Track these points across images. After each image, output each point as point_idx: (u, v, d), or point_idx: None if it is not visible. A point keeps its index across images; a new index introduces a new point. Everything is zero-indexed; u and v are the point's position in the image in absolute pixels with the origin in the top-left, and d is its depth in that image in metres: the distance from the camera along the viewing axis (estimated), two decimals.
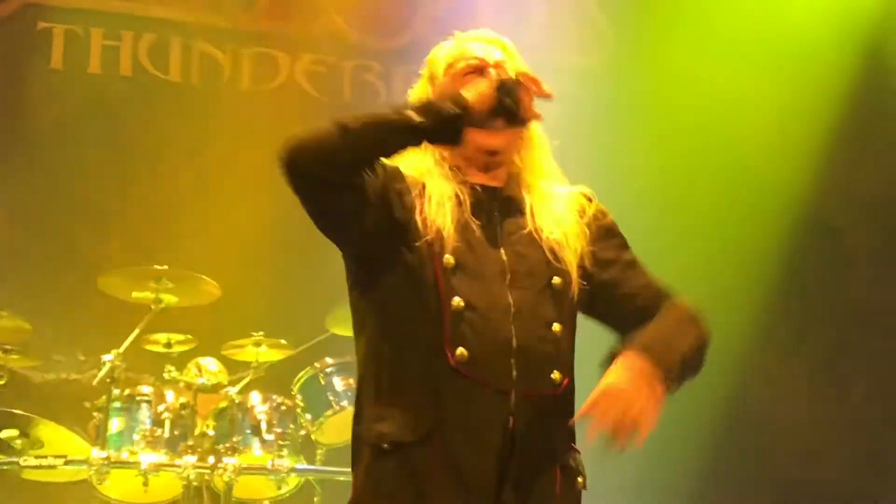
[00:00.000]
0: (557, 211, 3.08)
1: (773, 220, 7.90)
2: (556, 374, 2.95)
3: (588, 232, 3.12)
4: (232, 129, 7.82)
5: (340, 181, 2.88)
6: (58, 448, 6.19)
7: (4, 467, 6.14)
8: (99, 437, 6.08)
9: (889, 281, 8.02)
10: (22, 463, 6.07)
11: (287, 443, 6.17)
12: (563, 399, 3.00)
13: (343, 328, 6.53)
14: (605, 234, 3.16)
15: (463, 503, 2.87)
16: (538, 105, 3.14)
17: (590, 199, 3.17)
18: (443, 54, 3.24)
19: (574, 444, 3.04)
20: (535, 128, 3.18)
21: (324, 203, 2.95)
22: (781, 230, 7.92)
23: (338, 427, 6.31)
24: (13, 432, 6.20)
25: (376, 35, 8.32)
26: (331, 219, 2.99)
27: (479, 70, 3.14)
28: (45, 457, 6.12)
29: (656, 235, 7.78)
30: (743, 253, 7.89)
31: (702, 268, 7.70)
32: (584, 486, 3.02)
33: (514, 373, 2.89)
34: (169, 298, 6.37)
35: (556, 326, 2.97)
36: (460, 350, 2.87)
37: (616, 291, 3.13)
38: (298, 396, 6.36)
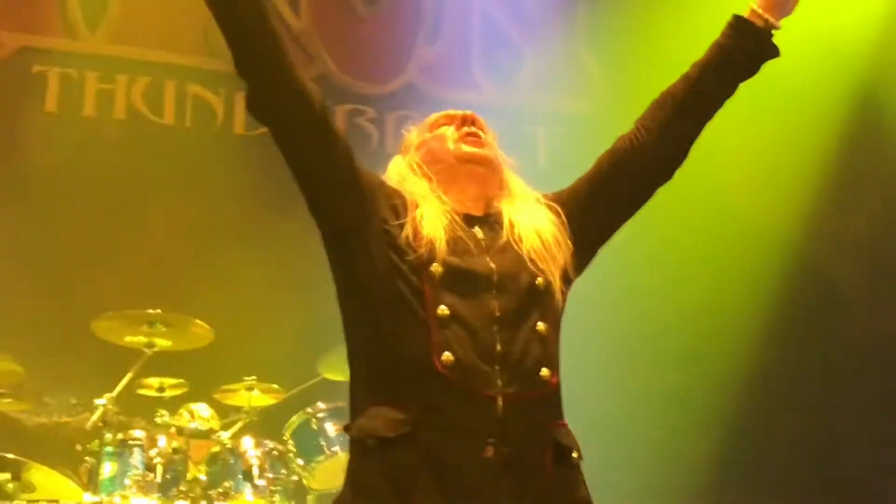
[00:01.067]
0: (533, 220, 3.19)
1: (763, 264, 7.92)
2: (544, 372, 3.02)
3: (562, 219, 3.23)
4: (225, 172, 7.81)
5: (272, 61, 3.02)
6: (49, 492, 6.17)
7: None
8: (91, 481, 6.09)
9: (882, 326, 8.02)
10: None
11: (279, 488, 6.16)
12: (552, 395, 3.08)
13: (335, 373, 6.58)
14: (566, 198, 3.31)
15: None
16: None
17: (547, 196, 3.30)
18: (418, 127, 3.43)
19: (563, 420, 3.12)
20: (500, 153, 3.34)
21: (287, 120, 3.09)
22: (772, 275, 7.93)
23: (329, 472, 6.31)
24: (5, 476, 6.16)
25: (369, 81, 8.34)
26: (300, 154, 3.12)
27: (453, 119, 3.33)
28: (37, 501, 6.13)
29: (649, 276, 7.82)
30: (734, 297, 7.90)
31: (693, 311, 7.73)
32: (580, 458, 3.08)
33: (501, 377, 2.96)
34: (162, 342, 6.37)
35: (541, 326, 3.06)
36: (446, 355, 2.94)
37: (602, 173, 3.31)
38: (290, 441, 6.37)
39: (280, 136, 3.10)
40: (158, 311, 6.33)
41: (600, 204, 3.29)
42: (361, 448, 2.98)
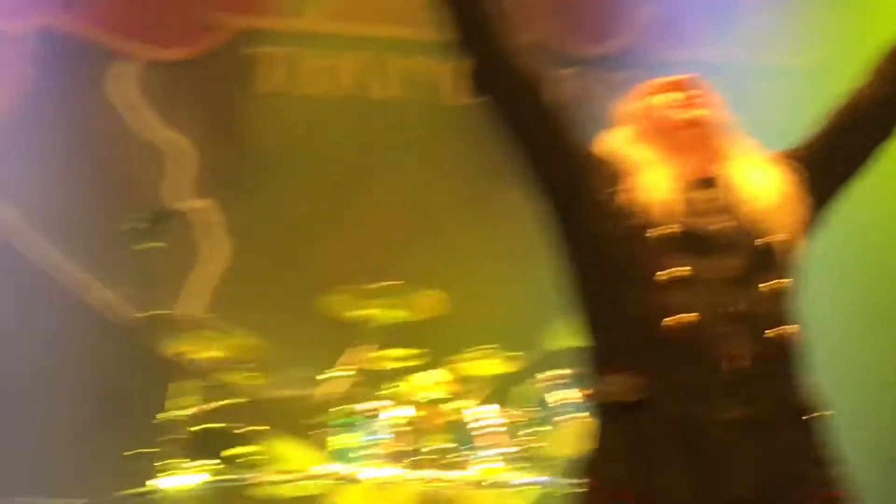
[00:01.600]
0: (761, 179, 3.13)
1: None
2: (782, 330, 2.97)
3: (795, 176, 3.14)
4: (448, 143, 7.83)
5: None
6: (292, 463, 6.40)
7: (239, 484, 6.28)
8: (331, 452, 6.22)
9: None
10: (256, 479, 6.25)
11: (518, 456, 6.18)
12: (792, 353, 3.02)
13: (567, 340, 6.52)
14: (799, 154, 3.21)
15: (687, 468, 2.88)
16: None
17: (777, 154, 3.23)
18: (635, 92, 3.38)
19: (804, 378, 3.05)
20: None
21: (505, 94, 3.10)
22: None
23: (567, 439, 6.26)
24: (249, 448, 6.40)
25: (589, 42, 8.26)
26: (518, 126, 3.12)
27: (672, 85, 3.29)
28: (279, 472, 6.32)
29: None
30: None
31: None
32: (825, 416, 3.03)
33: (738, 338, 2.92)
34: (394, 314, 6.52)
35: (775, 284, 3.01)
36: (681, 317, 2.92)
37: (835, 128, 3.22)
38: (527, 409, 6.34)
39: (498, 108, 3.11)
40: (389, 283, 6.43)
41: (834, 159, 3.21)
42: (603, 414, 2.99)
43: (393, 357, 6.56)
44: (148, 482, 6.27)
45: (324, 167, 7.91)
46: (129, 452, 6.45)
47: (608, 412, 2.98)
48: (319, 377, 6.65)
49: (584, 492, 3.03)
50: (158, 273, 6.96)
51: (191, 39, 8.08)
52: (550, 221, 3.15)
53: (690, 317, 2.91)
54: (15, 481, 7.01)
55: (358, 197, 7.92)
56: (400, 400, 6.32)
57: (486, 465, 6.16)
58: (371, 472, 6.08)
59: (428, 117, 8.03)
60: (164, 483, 6.17)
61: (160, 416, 6.38)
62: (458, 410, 6.27)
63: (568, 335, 6.43)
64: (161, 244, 6.70)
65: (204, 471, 6.26)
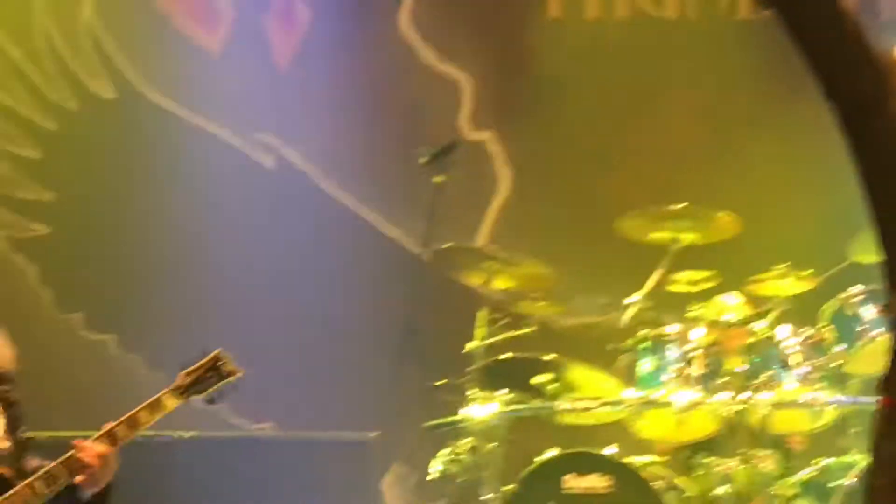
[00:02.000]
0: None
1: None
2: None
3: None
4: (733, 59, 7.72)
5: None
6: (590, 390, 6.50)
7: (543, 413, 6.45)
8: (629, 378, 6.33)
9: None
10: (559, 407, 6.37)
11: (820, 375, 6.17)
12: None
13: (867, 255, 6.41)
14: None
15: None
16: None
17: None
18: None
19: None
20: None
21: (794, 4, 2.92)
22: None
23: (870, 357, 6.13)
24: (546, 377, 6.50)
25: None
26: (810, 37, 2.93)
27: None
28: (580, 400, 6.42)
29: None
30: None
31: None
32: None
33: None
34: (687, 236, 6.50)
35: None
36: None
37: None
38: (827, 327, 6.27)
39: (788, 19, 2.97)
40: (682, 205, 6.43)
41: None
42: None
43: (689, 280, 6.51)
44: (455, 412, 6.50)
45: (609, 92, 7.92)
46: (439, 383, 6.70)
47: None
48: (616, 303, 6.65)
49: (882, 409, 2.93)
50: (451, 206, 7.14)
51: None
52: (847, 134, 3.02)
53: None
54: (325, 415, 7.29)
55: (645, 120, 7.86)
56: (698, 323, 6.32)
57: (786, 386, 6.15)
58: (673, 396, 6.12)
59: (720, 34, 7.88)
60: (469, 412, 6.34)
61: (468, 346, 6.52)
62: (755, 332, 6.26)
63: (866, 251, 6.36)
64: (448, 177, 6.84)
65: (506, 400, 6.39)
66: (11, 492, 4.31)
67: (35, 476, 4.32)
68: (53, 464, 4.34)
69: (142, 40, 8.06)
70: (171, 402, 4.47)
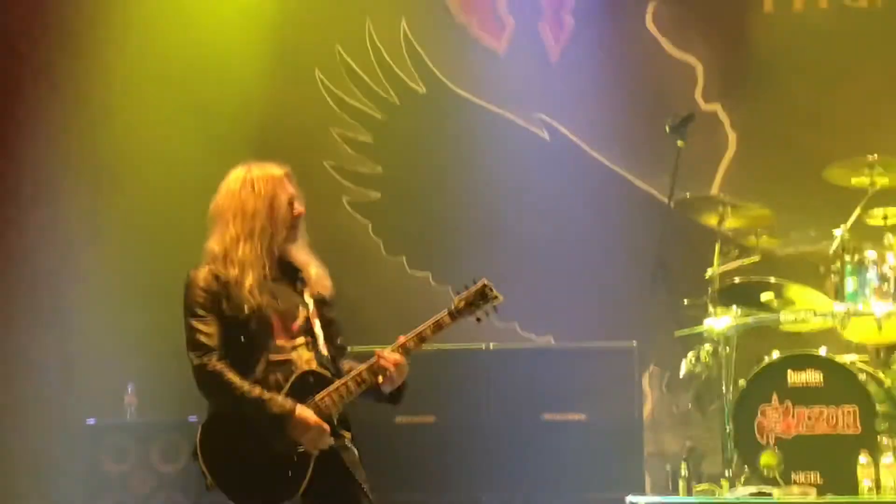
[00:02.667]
0: None
1: None
2: None
3: None
4: None
5: None
6: (806, 304, 6.57)
7: (767, 323, 6.54)
8: (838, 294, 6.38)
9: None
10: (781, 318, 6.49)
11: None
12: None
13: None
14: None
15: None
16: None
17: None
18: None
19: None
20: None
21: None
22: None
23: None
24: (770, 295, 6.64)
25: None
26: None
27: None
28: (799, 311, 6.52)
29: None
30: None
31: None
32: None
33: None
34: (881, 180, 6.52)
35: None
36: None
37: None
38: None
39: None
40: (876, 155, 6.46)
41: None
42: None
43: (883, 215, 6.53)
44: (698, 324, 6.63)
45: (813, 68, 7.86)
46: (685, 301, 6.92)
47: None
48: (825, 235, 6.74)
49: None
50: (690, 164, 7.14)
51: None
52: None
53: None
54: (596, 329, 7.35)
55: (844, 89, 7.84)
56: (891, 249, 6.34)
57: None
58: (873, 307, 6.19)
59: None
60: (709, 324, 6.47)
61: (707, 273, 6.58)
62: None
63: None
64: (687, 141, 6.90)
65: (737, 314, 6.47)
66: (331, 387, 4.37)
67: (348, 377, 4.39)
68: (361, 368, 4.41)
69: (445, 46, 8.37)
70: (448, 321, 4.41)
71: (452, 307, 4.45)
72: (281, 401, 4.30)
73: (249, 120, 7.90)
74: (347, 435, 4.50)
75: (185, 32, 8.09)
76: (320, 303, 4.56)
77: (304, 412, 4.32)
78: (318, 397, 4.40)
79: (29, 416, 7.17)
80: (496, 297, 4.49)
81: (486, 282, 4.50)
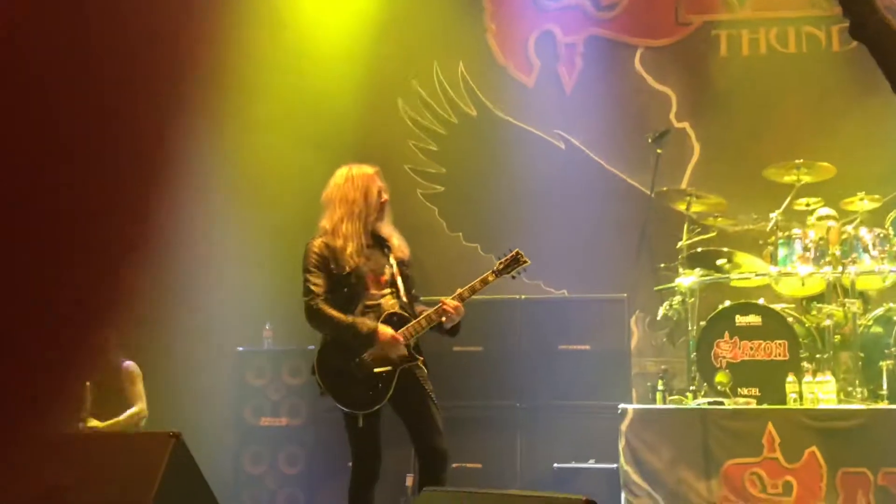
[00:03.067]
0: None
1: None
2: None
3: None
4: (830, 76, 7.59)
5: None
6: (749, 268, 6.48)
7: (721, 280, 6.48)
8: (773, 259, 6.27)
9: None
10: (731, 277, 6.47)
11: (885, 256, 6.05)
12: None
13: None
14: None
15: None
16: None
17: None
18: None
19: None
20: None
21: (873, 41, 2.62)
22: None
23: None
24: (724, 261, 6.58)
25: None
26: (887, 63, 2.63)
27: None
28: (744, 272, 6.50)
29: None
30: None
31: None
32: None
33: None
34: (806, 178, 6.42)
35: None
36: None
37: None
38: (890, 229, 6.15)
39: (873, 52, 2.71)
40: (800, 160, 6.36)
41: None
42: None
43: (806, 203, 6.45)
44: (671, 281, 6.58)
45: (757, 98, 7.75)
46: (661, 265, 6.88)
47: None
48: (763, 217, 6.54)
49: None
50: (666, 166, 7.21)
51: (673, 31, 8.01)
52: None
53: None
54: (596, 284, 7.18)
55: (779, 110, 7.74)
56: (812, 228, 6.23)
57: (865, 262, 5.98)
58: (798, 269, 6.09)
59: (821, 60, 7.77)
60: (679, 281, 6.42)
61: (678, 244, 6.48)
62: (846, 231, 6.11)
63: None
64: (663, 149, 6.99)
65: (700, 274, 6.40)
66: (409, 324, 4.42)
67: (421, 317, 4.46)
68: (430, 311, 4.46)
69: (490, 81, 8.25)
70: (492, 278, 4.47)
71: (495, 269, 4.55)
72: (368, 322, 4.39)
73: (348, 136, 7.87)
74: (420, 358, 4.56)
75: (301, 72, 8.10)
76: (401, 264, 4.63)
77: (384, 328, 4.40)
78: (400, 331, 4.48)
79: (194, 346, 7.23)
80: (526, 262, 4.57)
81: (518, 251, 4.58)
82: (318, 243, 4.56)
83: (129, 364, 6.10)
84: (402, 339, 4.40)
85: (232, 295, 7.83)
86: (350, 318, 4.41)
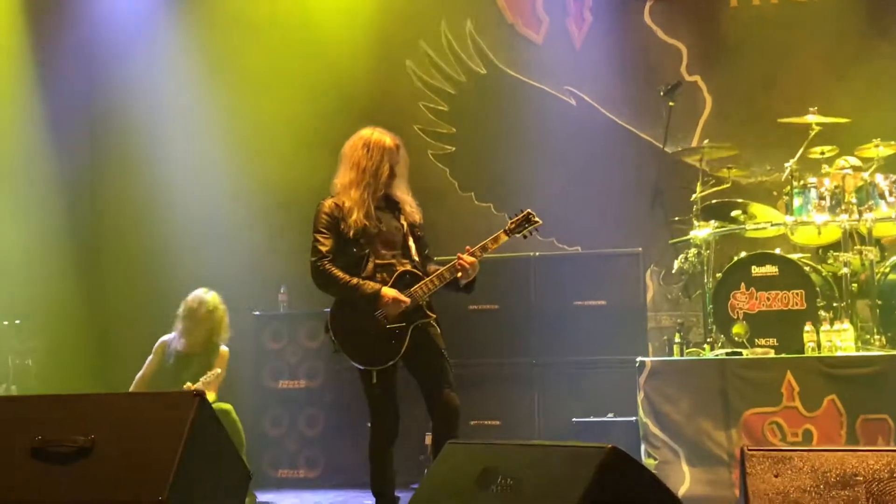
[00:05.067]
0: None
1: None
2: None
3: None
4: (840, 23, 7.46)
5: None
6: (764, 218, 6.36)
7: (736, 232, 6.32)
8: (788, 209, 6.18)
9: None
10: (746, 228, 6.30)
11: None
12: None
13: None
14: None
15: None
16: None
17: None
18: None
19: None
20: None
21: None
22: None
23: None
24: (738, 212, 6.39)
25: None
26: None
27: None
28: (759, 223, 6.21)
29: None
30: None
31: None
32: None
33: None
34: (818, 127, 6.33)
35: None
36: None
37: None
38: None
39: None
40: (815, 108, 6.30)
41: None
42: None
43: (821, 151, 6.33)
44: (686, 234, 6.51)
45: (770, 46, 7.62)
46: (675, 218, 6.81)
47: None
48: (778, 167, 6.57)
49: None
50: (678, 118, 7.18)
51: None
52: None
53: None
54: (612, 239, 7.12)
55: (791, 61, 7.60)
56: (827, 175, 6.15)
57: (881, 209, 5.91)
58: (814, 217, 6.02)
59: (833, 7, 7.57)
60: (694, 233, 6.36)
61: (692, 196, 6.40)
62: (862, 178, 5.99)
63: None
64: (676, 102, 6.93)
65: (714, 226, 6.31)
66: (421, 282, 4.44)
67: (434, 274, 4.48)
68: (443, 269, 4.47)
69: (498, 39, 8.14)
70: (503, 238, 4.47)
71: (506, 228, 4.54)
72: (371, 284, 4.40)
73: (359, 98, 7.86)
74: (433, 315, 4.57)
75: (308, 37, 8.09)
76: (413, 225, 4.64)
77: (387, 290, 4.41)
78: (412, 289, 4.49)
79: None
80: (537, 222, 4.56)
81: (530, 211, 4.57)
82: (328, 204, 4.58)
83: (225, 349, 6.25)
84: (405, 300, 4.39)
85: (246, 260, 7.79)
86: (354, 280, 4.41)
